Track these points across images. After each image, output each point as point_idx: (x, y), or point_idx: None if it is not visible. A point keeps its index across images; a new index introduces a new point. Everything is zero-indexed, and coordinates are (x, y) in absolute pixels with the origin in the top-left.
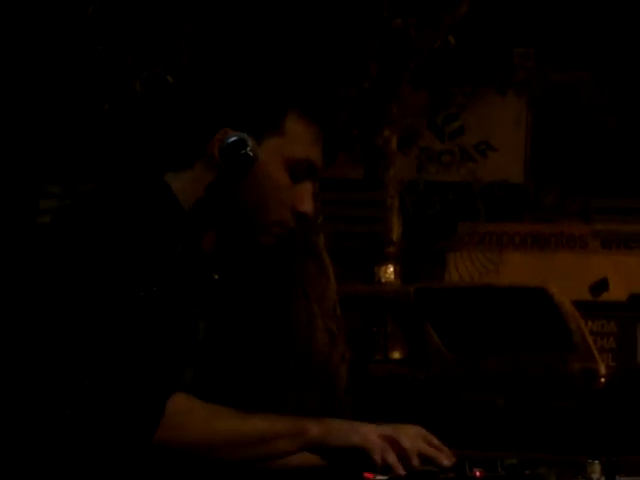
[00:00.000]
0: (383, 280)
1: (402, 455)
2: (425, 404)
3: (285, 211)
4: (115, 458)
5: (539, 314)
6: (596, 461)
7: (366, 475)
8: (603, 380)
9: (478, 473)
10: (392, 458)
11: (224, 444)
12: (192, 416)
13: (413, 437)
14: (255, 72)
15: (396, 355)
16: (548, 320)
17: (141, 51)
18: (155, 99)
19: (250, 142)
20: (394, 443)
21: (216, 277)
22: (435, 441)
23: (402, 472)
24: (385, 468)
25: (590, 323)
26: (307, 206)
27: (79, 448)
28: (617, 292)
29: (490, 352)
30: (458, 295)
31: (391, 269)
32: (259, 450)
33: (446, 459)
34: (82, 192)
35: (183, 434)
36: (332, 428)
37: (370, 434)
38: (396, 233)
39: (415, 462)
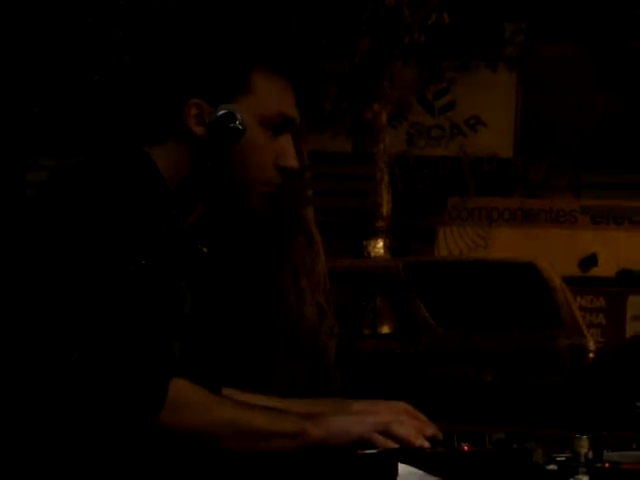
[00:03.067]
0: (372, 254)
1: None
2: (414, 378)
3: (270, 169)
4: (119, 439)
5: (528, 289)
6: (584, 436)
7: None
8: (591, 355)
9: (466, 447)
10: (393, 444)
11: (222, 433)
12: (195, 401)
13: (397, 412)
14: (212, 37)
15: (385, 329)
16: (537, 295)
17: (131, 23)
18: (142, 72)
19: (239, 115)
20: (391, 427)
21: (204, 250)
22: (420, 416)
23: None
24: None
25: (579, 298)
26: (291, 160)
27: (81, 430)
28: (606, 267)
29: (479, 327)
30: (447, 270)
31: (380, 244)
32: (255, 445)
33: (420, 440)
34: (66, 165)
35: (186, 418)
36: (332, 429)
37: (367, 423)
38: (385, 207)
39: (418, 442)
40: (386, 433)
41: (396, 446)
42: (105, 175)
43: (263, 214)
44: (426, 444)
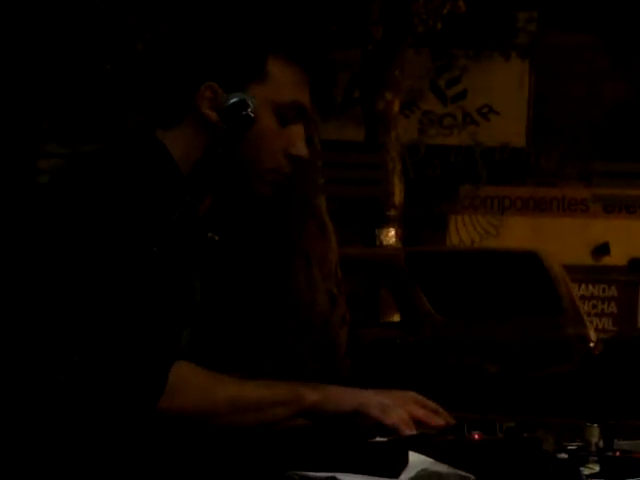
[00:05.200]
0: (384, 243)
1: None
2: (415, 367)
3: (278, 157)
4: (119, 426)
5: (529, 278)
6: (594, 425)
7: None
8: (592, 345)
9: (477, 436)
10: (391, 419)
11: (223, 411)
12: (194, 383)
13: (406, 401)
14: (231, 22)
15: (387, 319)
16: (538, 284)
17: (144, 11)
18: (159, 53)
19: (251, 103)
20: (387, 408)
21: (216, 238)
22: (431, 404)
23: (405, 431)
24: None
25: (591, 287)
26: (300, 149)
27: (83, 416)
28: (618, 256)
29: (480, 316)
30: (449, 259)
31: (392, 232)
32: (257, 417)
33: (437, 420)
34: (80, 152)
35: (185, 401)
36: (328, 395)
37: (365, 398)
38: (397, 196)
39: (409, 428)
40: (383, 409)
41: (392, 420)
42: (117, 163)
43: (267, 201)
44: (437, 422)
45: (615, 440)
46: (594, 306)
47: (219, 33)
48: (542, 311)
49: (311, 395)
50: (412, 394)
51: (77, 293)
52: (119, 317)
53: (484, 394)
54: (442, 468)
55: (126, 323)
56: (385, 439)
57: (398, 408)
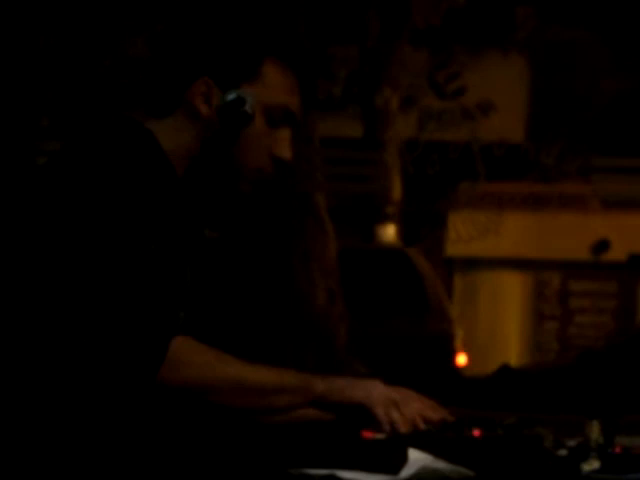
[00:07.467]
0: (383, 240)
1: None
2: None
3: (263, 157)
4: (120, 397)
5: (397, 277)
6: (595, 421)
7: (365, 434)
8: (458, 344)
9: (477, 432)
10: (395, 415)
11: (226, 388)
12: (197, 357)
13: (410, 399)
14: (232, 20)
15: None
16: (406, 283)
17: (143, 8)
18: (157, 44)
19: (249, 99)
20: (395, 404)
21: (212, 234)
22: (427, 401)
23: (404, 429)
24: (386, 425)
25: (590, 283)
26: (285, 151)
27: (85, 389)
28: (617, 252)
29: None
30: None
31: (391, 229)
32: (261, 400)
33: (433, 414)
34: (69, 142)
35: (186, 373)
36: (336, 384)
37: (373, 391)
38: (396, 193)
39: (420, 425)
40: (388, 408)
41: (397, 417)
42: (108, 157)
43: (249, 199)
44: (435, 416)
45: (616, 436)
46: (593, 302)
47: (218, 29)
48: (409, 309)
49: (319, 385)
50: (409, 391)
51: (73, 280)
52: (119, 296)
53: None
54: (442, 465)
55: (125, 300)
56: (384, 436)
57: (409, 405)
